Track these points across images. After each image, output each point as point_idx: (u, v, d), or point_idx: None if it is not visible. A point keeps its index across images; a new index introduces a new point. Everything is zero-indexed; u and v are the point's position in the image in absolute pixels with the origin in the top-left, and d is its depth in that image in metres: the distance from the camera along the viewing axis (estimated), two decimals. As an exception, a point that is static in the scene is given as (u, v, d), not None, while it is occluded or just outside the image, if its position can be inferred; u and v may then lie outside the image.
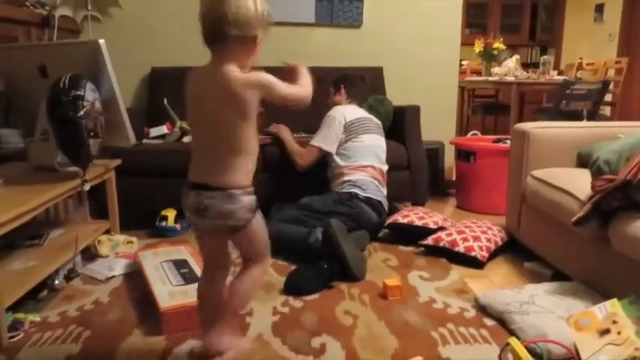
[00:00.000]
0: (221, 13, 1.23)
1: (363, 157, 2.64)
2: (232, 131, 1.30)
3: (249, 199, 1.34)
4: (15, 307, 1.72)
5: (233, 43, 1.27)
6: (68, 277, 2.09)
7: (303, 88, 1.43)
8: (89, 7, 3.15)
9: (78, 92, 1.87)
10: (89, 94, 1.91)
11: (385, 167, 2.73)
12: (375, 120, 2.82)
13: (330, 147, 2.64)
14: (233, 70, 1.28)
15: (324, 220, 2.26)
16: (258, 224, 1.41)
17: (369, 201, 2.54)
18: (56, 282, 2.00)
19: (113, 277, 2.13)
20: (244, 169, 1.34)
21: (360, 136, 2.66)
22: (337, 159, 2.65)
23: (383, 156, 2.74)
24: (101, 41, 2.01)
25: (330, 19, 3.45)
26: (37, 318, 1.76)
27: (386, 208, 2.64)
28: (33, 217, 1.74)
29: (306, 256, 2.21)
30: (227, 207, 1.31)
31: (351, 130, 2.65)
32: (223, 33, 1.25)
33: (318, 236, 2.24)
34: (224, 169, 1.31)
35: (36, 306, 1.86)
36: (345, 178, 2.60)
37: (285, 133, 2.77)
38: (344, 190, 2.56)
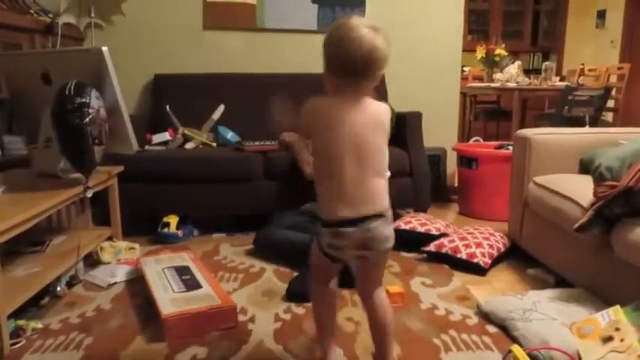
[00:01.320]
0: (374, 54, 1.26)
1: None
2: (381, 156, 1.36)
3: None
4: (17, 314, 1.71)
5: (373, 79, 1.31)
6: (70, 284, 2.09)
7: None
8: (92, 15, 3.17)
9: (83, 99, 1.88)
10: (94, 101, 1.92)
11: (387, 174, 2.72)
12: None
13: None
14: (378, 102, 1.36)
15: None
16: None
17: None
18: (58, 289, 2.00)
19: (115, 283, 2.13)
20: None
21: None
22: None
23: (386, 163, 2.73)
24: (104, 48, 2.02)
25: (332, 25, 3.47)
26: (38, 325, 1.76)
27: None
28: (35, 224, 1.74)
29: (308, 263, 2.21)
30: (389, 230, 1.33)
31: None
32: (372, 72, 1.29)
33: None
34: (378, 194, 1.33)
35: (38, 313, 1.86)
36: None
37: (298, 143, 2.76)
38: None
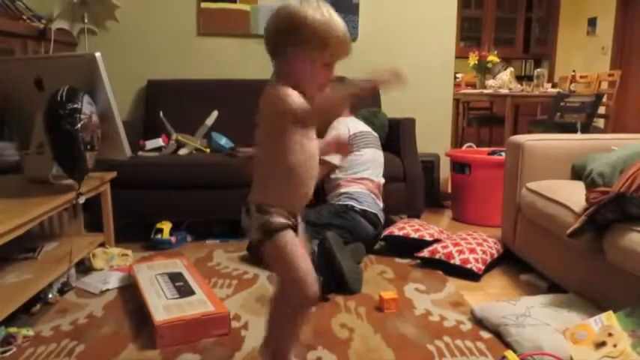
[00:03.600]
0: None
1: (361, 170, 2.65)
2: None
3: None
4: (8, 321, 1.70)
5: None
6: (62, 291, 2.07)
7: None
8: (86, 20, 3.16)
9: (75, 105, 1.87)
10: (86, 107, 1.91)
11: (382, 181, 2.73)
12: (374, 133, 2.84)
13: (336, 159, 2.62)
14: None
15: (320, 233, 2.25)
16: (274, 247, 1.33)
17: (365, 213, 2.54)
18: (50, 295, 1.98)
19: (107, 290, 2.12)
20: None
21: (361, 149, 2.68)
22: (335, 170, 2.65)
23: (380, 169, 2.75)
24: (97, 54, 2.02)
25: (325, 32, 3.48)
26: (30, 332, 1.74)
27: (382, 220, 2.65)
28: (27, 230, 1.73)
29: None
30: (248, 222, 1.37)
31: (352, 143, 2.66)
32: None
33: (315, 249, 2.23)
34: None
35: (29, 320, 1.84)
36: (342, 190, 2.61)
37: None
38: (340, 202, 2.56)
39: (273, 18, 1.39)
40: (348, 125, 2.70)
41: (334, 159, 2.59)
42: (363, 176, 2.64)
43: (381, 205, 2.67)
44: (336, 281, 2.08)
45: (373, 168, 2.70)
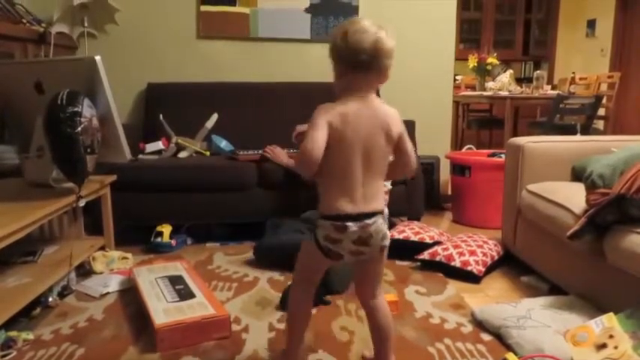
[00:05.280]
0: (380, 43, 1.37)
1: None
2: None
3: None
4: (8, 325, 1.69)
5: (381, 71, 1.39)
6: (62, 294, 2.07)
7: None
8: (86, 24, 3.17)
9: (75, 108, 1.88)
10: (86, 110, 1.91)
11: (390, 187, 2.73)
12: None
13: None
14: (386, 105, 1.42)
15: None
16: None
17: None
18: (50, 299, 1.98)
19: (108, 293, 2.11)
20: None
21: None
22: None
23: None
24: (97, 57, 2.02)
25: (325, 35, 3.49)
26: (30, 336, 1.73)
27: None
28: (27, 234, 1.73)
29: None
30: (385, 228, 1.38)
31: None
32: (380, 61, 1.37)
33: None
34: (377, 194, 1.38)
35: (29, 324, 1.84)
36: None
37: (281, 158, 2.74)
38: None
39: None
40: None
41: None
42: None
43: (386, 210, 2.67)
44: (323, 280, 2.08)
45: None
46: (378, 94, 1.42)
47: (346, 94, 1.36)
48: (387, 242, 1.39)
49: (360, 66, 1.34)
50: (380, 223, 1.35)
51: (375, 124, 1.35)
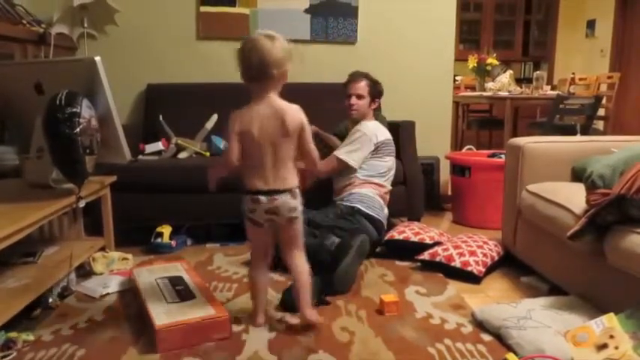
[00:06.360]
0: (264, 58, 1.67)
1: (379, 175, 2.66)
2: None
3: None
4: (8, 326, 1.69)
5: (273, 78, 1.72)
6: (62, 295, 2.07)
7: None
8: (85, 25, 3.16)
9: (74, 109, 1.87)
10: (85, 110, 1.91)
11: (389, 187, 2.74)
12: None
13: (356, 164, 2.63)
14: (285, 102, 1.75)
15: (324, 235, 2.31)
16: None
17: (370, 218, 2.55)
18: (50, 300, 1.98)
19: (108, 294, 2.11)
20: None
21: (385, 157, 2.69)
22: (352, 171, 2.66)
23: (392, 178, 2.76)
24: (97, 58, 2.02)
25: (325, 35, 3.49)
26: (30, 337, 1.73)
27: (385, 227, 2.66)
28: (27, 235, 1.73)
29: (311, 268, 2.21)
30: (293, 203, 1.74)
31: (378, 150, 2.66)
32: (270, 73, 1.69)
33: (335, 241, 2.28)
34: (285, 176, 1.74)
35: (29, 324, 1.84)
36: (354, 190, 2.61)
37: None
38: (346, 204, 2.57)
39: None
40: (377, 133, 2.67)
41: (352, 160, 2.60)
42: (380, 182, 2.66)
43: (387, 211, 2.68)
44: (328, 279, 2.08)
45: (389, 176, 2.73)
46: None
47: (253, 97, 1.74)
48: (295, 214, 1.76)
49: (253, 78, 1.71)
50: (287, 198, 1.72)
51: (275, 121, 1.70)
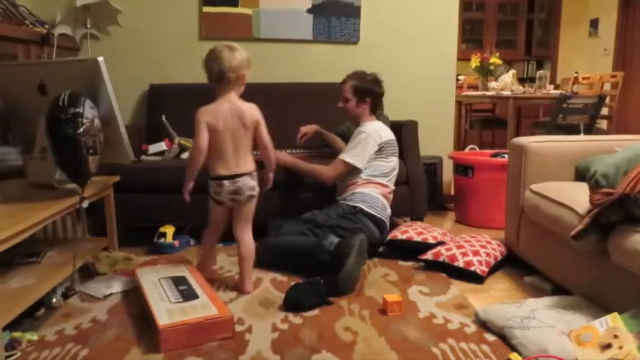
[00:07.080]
0: (222, 64, 2.04)
1: (382, 175, 2.65)
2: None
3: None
4: (12, 326, 1.70)
5: (232, 82, 2.07)
6: (66, 295, 2.08)
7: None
8: (88, 26, 3.17)
9: (77, 110, 1.88)
10: (88, 111, 1.92)
11: (392, 187, 2.73)
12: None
13: (362, 165, 2.61)
14: (243, 102, 2.10)
15: (326, 234, 2.31)
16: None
17: (373, 218, 2.54)
18: (54, 300, 1.99)
19: (111, 294, 2.12)
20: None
21: (389, 157, 2.68)
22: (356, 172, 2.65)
23: (395, 178, 2.75)
24: (100, 59, 2.02)
25: (327, 35, 3.49)
26: (34, 337, 1.74)
27: (388, 226, 2.65)
28: (31, 235, 1.73)
29: (311, 268, 2.21)
30: (251, 183, 2.09)
31: (382, 150, 2.65)
32: (229, 77, 2.04)
33: (334, 241, 2.27)
34: (244, 162, 2.09)
35: (33, 324, 1.85)
36: (357, 189, 2.60)
37: (283, 157, 2.71)
38: (349, 203, 2.56)
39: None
40: (380, 134, 2.66)
41: (358, 162, 2.60)
42: (383, 182, 2.65)
43: (389, 211, 2.67)
44: (331, 279, 2.08)
45: (392, 176, 2.72)
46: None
47: (218, 96, 2.07)
48: (254, 193, 2.11)
49: (215, 81, 2.06)
50: (246, 180, 2.06)
51: (235, 117, 2.03)
